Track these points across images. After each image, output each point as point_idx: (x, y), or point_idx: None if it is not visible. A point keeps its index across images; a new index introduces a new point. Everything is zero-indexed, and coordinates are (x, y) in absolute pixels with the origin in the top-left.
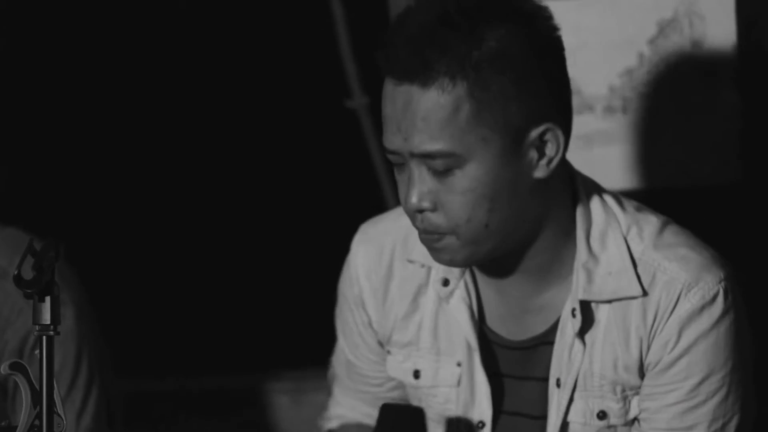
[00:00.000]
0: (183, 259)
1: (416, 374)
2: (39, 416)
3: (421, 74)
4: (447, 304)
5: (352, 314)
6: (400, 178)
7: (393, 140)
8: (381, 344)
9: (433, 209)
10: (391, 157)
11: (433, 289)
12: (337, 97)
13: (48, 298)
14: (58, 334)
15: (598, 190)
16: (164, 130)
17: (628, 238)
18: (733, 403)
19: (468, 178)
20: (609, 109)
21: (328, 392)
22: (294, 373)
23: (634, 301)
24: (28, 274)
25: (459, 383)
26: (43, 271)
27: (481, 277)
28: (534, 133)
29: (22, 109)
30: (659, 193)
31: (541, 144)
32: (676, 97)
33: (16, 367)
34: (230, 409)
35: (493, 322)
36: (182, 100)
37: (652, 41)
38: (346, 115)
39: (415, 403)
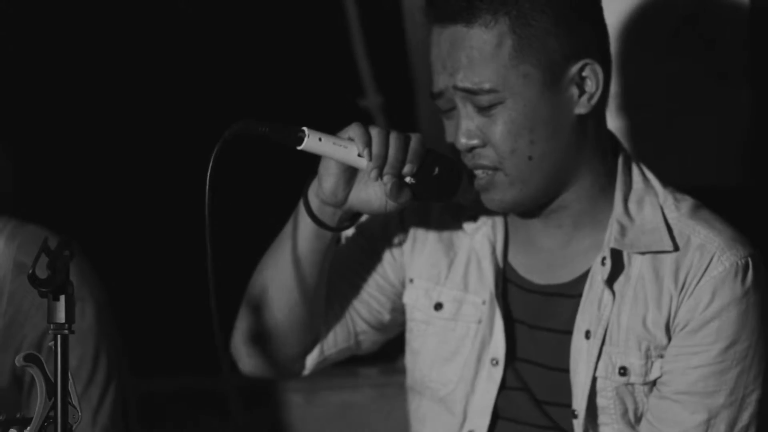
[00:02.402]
0: (196, 258)
1: (438, 306)
2: (54, 408)
3: (465, 13)
4: (472, 240)
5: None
6: (449, 122)
7: (438, 80)
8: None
9: (483, 145)
10: (438, 102)
11: (462, 225)
12: (351, 96)
13: (62, 297)
14: (72, 332)
15: (638, 162)
16: (177, 129)
17: (665, 207)
18: (755, 377)
19: (509, 111)
20: (623, 107)
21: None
22: None
23: (668, 257)
24: (43, 272)
25: (480, 321)
26: (58, 270)
27: (512, 223)
28: (573, 69)
29: (37, 107)
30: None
31: (580, 80)
32: (690, 95)
33: (30, 358)
34: (244, 408)
35: (518, 266)
36: (198, 99)
37: (666, 39)
38: (360, 115)
39: (419, 339)
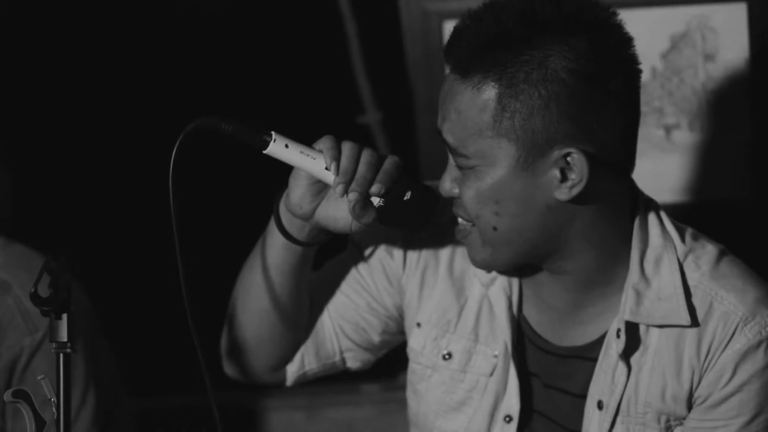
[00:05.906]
0: (192, 274)
1: (447, 356)
2: None
3: (463, 65)
4: (487, 290)
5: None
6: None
7: (439, 123)
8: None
9: (460, 196)
10: (441, 139)
11: (477, 274)
12: (351, 113)
13: (65, 316)
14: (74, 351)
15: (658, 212)
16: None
17: (685, 265)
18: None
19: (476, 179)
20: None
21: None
22: (309, 389)
23: (690, 331)
24: (45, 291)
25: (492, 374)
26: (59, 289)
27: (524, 274)
28: (557, 154)
29: (31, 120)
30: (671, 208)
31: (566, 164)
32: (688, 111)
33: (19, 394)
34: (245, 425)
35: (532, 320)
36: (198, 114)
37: (664, 55)
38: (360, 131)
39: (423, 383)
